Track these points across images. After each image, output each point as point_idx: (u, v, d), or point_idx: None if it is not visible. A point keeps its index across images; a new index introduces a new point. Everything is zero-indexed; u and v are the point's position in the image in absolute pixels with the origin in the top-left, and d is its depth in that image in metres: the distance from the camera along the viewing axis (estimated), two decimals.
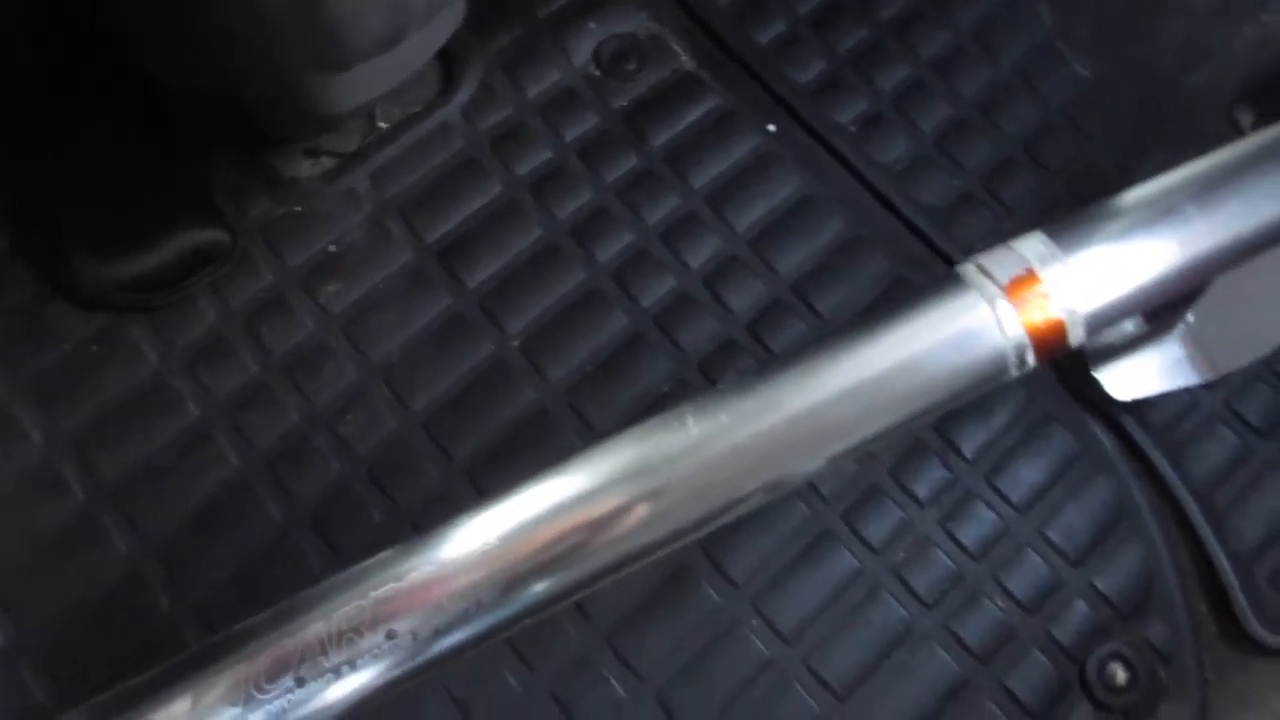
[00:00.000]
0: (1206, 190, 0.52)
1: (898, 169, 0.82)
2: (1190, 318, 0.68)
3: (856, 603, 0.68)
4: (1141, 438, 0.74)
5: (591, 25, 0.85)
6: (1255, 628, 0.68)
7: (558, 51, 0.84)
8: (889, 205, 0.81)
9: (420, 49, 0.62)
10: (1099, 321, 0.49)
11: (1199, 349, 0.69)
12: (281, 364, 0.72)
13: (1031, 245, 0.49)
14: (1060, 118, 0.85)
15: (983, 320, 0.47)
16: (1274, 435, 0.74)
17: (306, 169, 0.76)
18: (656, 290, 0.76)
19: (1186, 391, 0.73)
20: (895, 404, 0.48)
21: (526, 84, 0.83)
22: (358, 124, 0.77)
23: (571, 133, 0.81)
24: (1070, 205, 0.67)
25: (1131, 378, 0.71)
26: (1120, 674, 0.68)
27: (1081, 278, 0.48)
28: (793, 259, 0.78)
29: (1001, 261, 0.49)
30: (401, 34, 0.47)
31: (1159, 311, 0.69)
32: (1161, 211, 0.51)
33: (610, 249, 0.78)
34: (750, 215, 0.79)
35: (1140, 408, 0.73)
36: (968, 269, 0.49)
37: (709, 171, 0.81)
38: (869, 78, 0.86)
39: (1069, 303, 0.48)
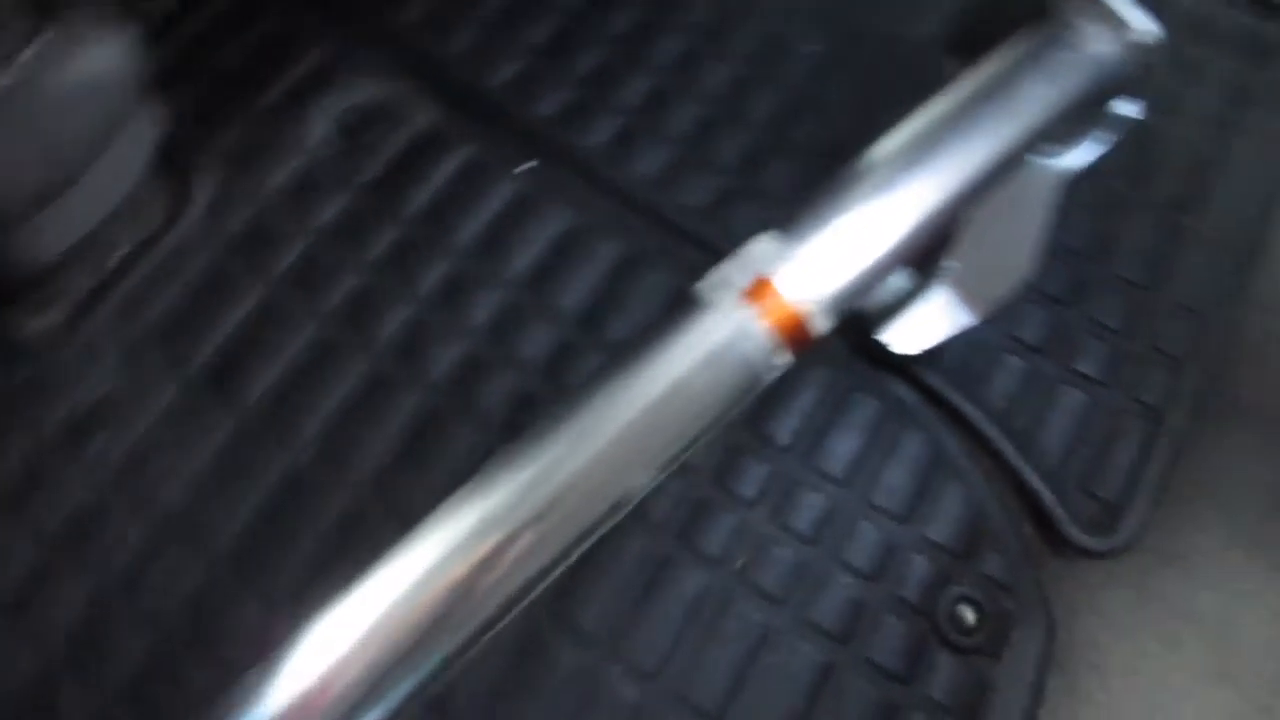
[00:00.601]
0: (919, 148, 0.55)
1: (658, 180, 0.83)
2: (952, 263, 0.71)
3: (711, 620, 0.68)
4: (938, 384, 0.77)
5: (325, 100, 0.82)
6: (1076, 534, 0.72)
7: (293, 134, 0.81)
8: (658, 218, 0.82)
9: (115, 177, 0.58)
10: (840, 302, 0.50)
11: (966, 290, 0.73)
12: (58, 538, 0.66)
13: (760, 248, 0.50)
14: (800, 98, 0.88)
15: (727, 334, 0.48)
16: (1052, 351, 0.78)
17: (36, 325, 0.70)
18: (444, 359, 0.74)
19: (969, 331, 0.77)
20: (673, 433, 0.48)
21: (266, 176, 0.79)
22: (84, 263, 0.72)
23: (323, 216, 0.78)
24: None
25: (913, 332, 0.74)
26: (969, 614, 0.70)
27: (809, 268, 0.49)
28: (575, 294, 0.77)
29: (736, 270, 0.49)
30: (59, 188, 0.44)
31: (921, 264, 0.72)
32: (880, 178, 0.53)
33: (388, 328, 0.75)
34: (523, 260, 0.78)
35: (931, 357, 0.76)
36: (705, 287, 0.49)
37: (472, 226, 0.79)
38: (612, 96, 0.86)
39: (804, 295, 0.49)
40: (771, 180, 0.84)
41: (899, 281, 0.74)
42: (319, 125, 0.81)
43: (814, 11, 0.92)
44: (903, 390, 0.77)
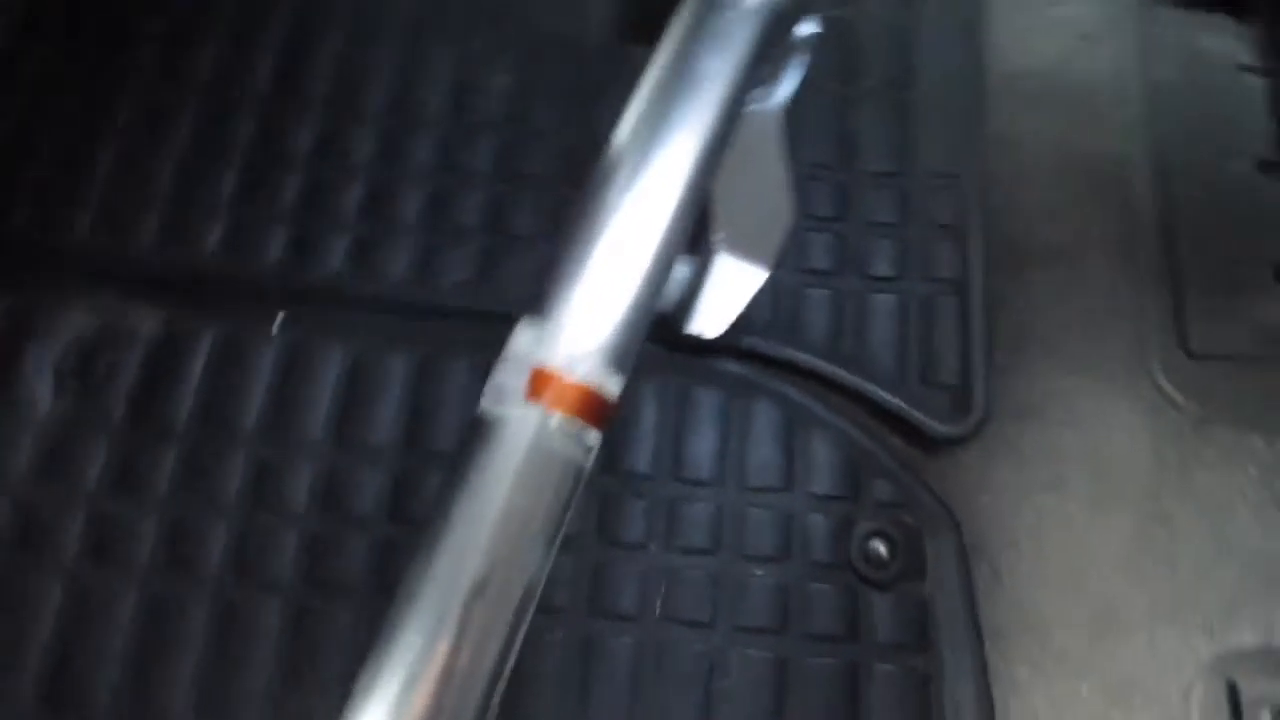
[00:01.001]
0: (635, 160, 0.53)
1: (413, 274, 0.78)
2: (718, 234, 0.70)
3: (655, 675, 0.66)
4: (760, 347, 0.76)
5: (33, 356, 0.73)
6: (938, 428, 0.73)
7: (19, 407, 0.72)
8: (430, 310, 0.78)
9: None
10: (619, 355, 0.48)
11: (744, 251, 0.72)
12: None
13: (522, 340, 0.47)
14: (511, 131, 0.85)
15: (526, 447, 0.45)
16: (845, 268, 0.79)
17: None
18: (284, 559, 0.68)
19: (765, 286, 0.77)
20: (520, 561, 0.45)
21: (8, 465, 0.71)
22: None
23: (90, 476, 0.69)
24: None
25: (715, 312, 0.73)
26: (881, 547, 0.71)
27: (575, 337, 0.47)
28: (385, 427, 0.72)
29: (508, 374, 0.47)
30: None
31: (692, 248, 0.72)
32: (608, 209, 0.51)
33: (214, 554, 0.69)
34: (316, 418, 0.73)
35: (742, 326, 0.76)
36: (487, 405, 0.46)
37: (251, 407, 0.73)
38: (328, 214, 0.80)
39: (582, 367, 0.46)
40: (522, 220, 0.81)
41: (681, 273, 0.73)
42: (39, 385, 0.72)
43: (486, 46, 0.88)
44: (732, 367, 0.77)
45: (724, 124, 0.57)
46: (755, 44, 0.58)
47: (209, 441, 0.70)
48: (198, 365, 0.72)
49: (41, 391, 0.70)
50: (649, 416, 0.74)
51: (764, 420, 0.74)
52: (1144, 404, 0.70)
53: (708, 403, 0.75)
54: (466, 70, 0.83)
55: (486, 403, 0.46)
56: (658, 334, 0.76)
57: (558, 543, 0.47)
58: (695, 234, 0.71)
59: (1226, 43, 0.81)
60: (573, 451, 0.46)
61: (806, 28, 0.69)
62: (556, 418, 0.46)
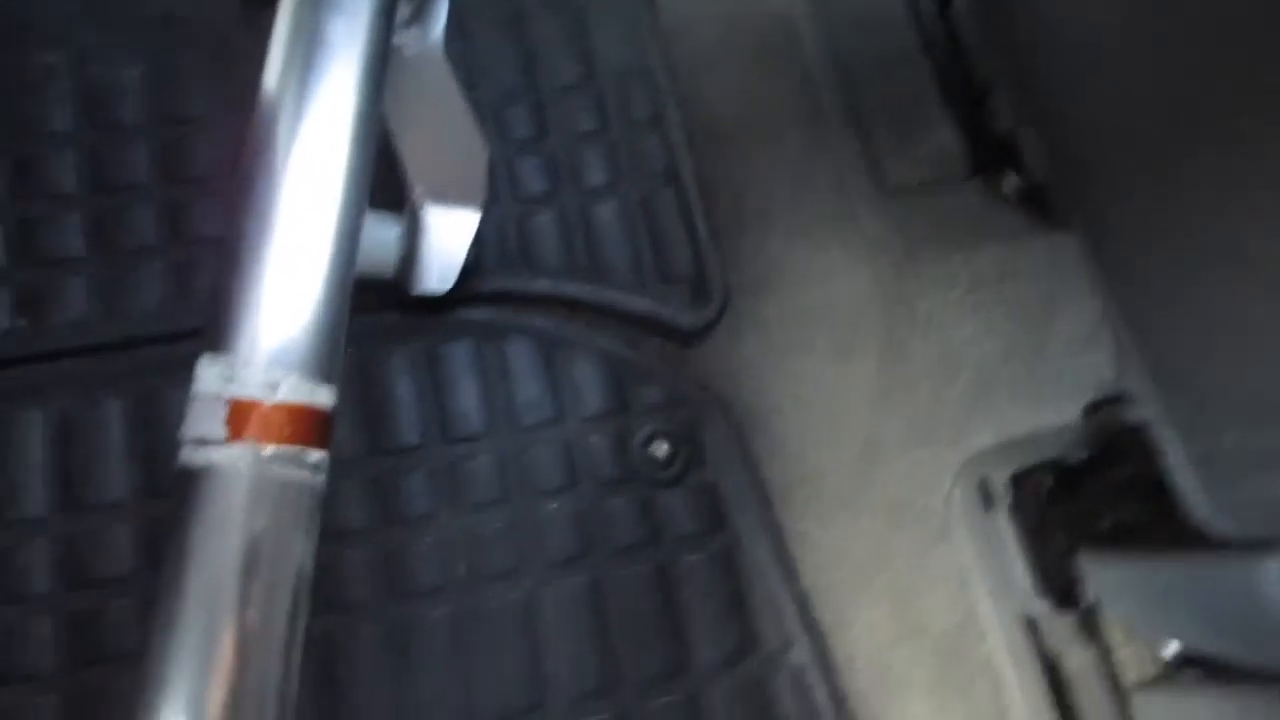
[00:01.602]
0: (280, 134, 0.48)
1: (86, 313, 0.70)
2: (417, 185, 0.67)
3: (477, 636, 0.66)
4: (497, 286, 0.75)
5: None
6: (685, 320, 0.75)
7: None
8: (123, 346, 0.70)
9: None
10: (320, 360, 0.45)
11: (448, 196, 0.69)
12: None
13: (206, 378, 0.43)
14: (163, 129, 0.76)
15: (245, 489, 0.42)
16: (560, 186, 0.77)
17: None
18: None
19: (484, 226, 0.75)
20: (279, 601, 0.43)
21: None
22: None
23: None
24: None
25: (439, 266, 0.70)
26: (663, 447, 0.72)
27: (263, 359, 0.44)
28: (112, 482, 0.66)
29: (201, 418, 0.43)
30: None
31: (396, 206, 0.68)
32: (266, 199, 0.47)
33: None
34: (35, 496, 0.66)
35: (473, 272, 0.74)
36: (187, 456, 0.43)
37: None
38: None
39: (281, 389, 0.43)
40: (209, 224, 0.73)
41: (387, 233, 0.69)
42: None
43: (107, 42, 0.77)
44: (476, 315, 0.75)
45: (372, 78, 0.53)
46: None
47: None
48: None
49: None
50: (405, 387, 0.72)
51: (520, 358, 0.74)
52: (857, 250, 0.74)
53: (460, 356, 0.73)
54: (91, 70, 0.74)
55: (188, 454, 0.43)
56: (391, 302, 0.73)
57: (310, 569, 0.45)
58: (397, 194, 0.67)
59: None
60: (300, 476, 0.43)
61: None
62: (270, 448, 0.43)
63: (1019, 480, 0.67)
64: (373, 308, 0.73)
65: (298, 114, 0.49)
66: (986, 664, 0.65)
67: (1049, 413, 0.70)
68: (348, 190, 0.49)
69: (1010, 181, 0.74)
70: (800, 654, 0.69)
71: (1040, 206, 0.75)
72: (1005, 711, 0.65)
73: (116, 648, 0.63)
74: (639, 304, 0.75)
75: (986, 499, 0.68)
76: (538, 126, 0.78)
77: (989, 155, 0.74)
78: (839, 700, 0.68)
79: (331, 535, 0.67)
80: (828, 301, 0.73)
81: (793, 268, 0.74)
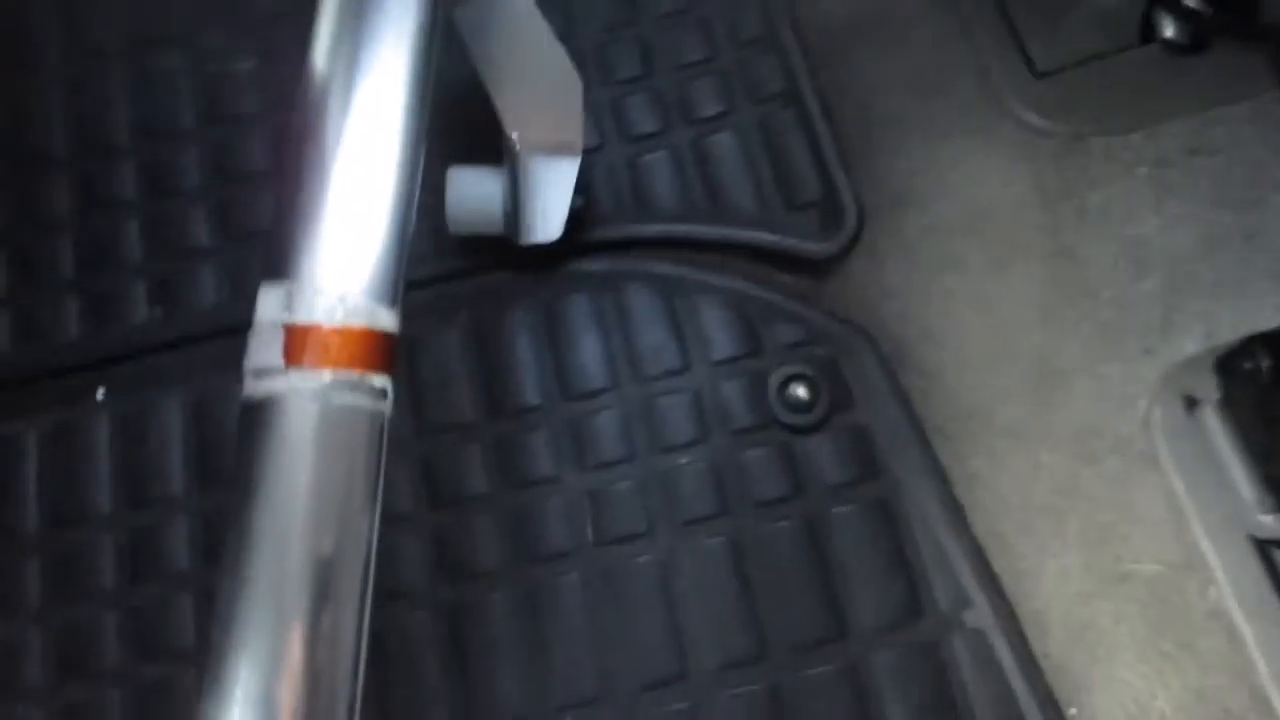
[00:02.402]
0: (326, 66, 0.46)
1: (216, 300, 0.71)
2: (511, 133, 0.64)
3: (608, 601, 0.61)
4: (611, 234, 0.70)
5: None
6: (817, 249, 0.67)
7: None
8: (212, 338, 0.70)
9: None
10: (381, 282, 0.42)
11: (547, 141, 0.65)
12: None
13: (266, 304, 0.41)
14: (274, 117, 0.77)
15: (309, 417, 0.39)
16: (672, 122, 0.72)
17: None
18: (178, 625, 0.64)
19: (590, 170, 0.71)
20: (347, 527, 0.40)
21: None
22: None
23: None
24: None
25: (546, 214, 0.66)
26: (801, 390, 0.65)
27: (321, 276, 0.41)
28: None
29: (261, 346, 0.41)
30: None
31: (494, 158, 0.65)
32: (330, 117, 0.45)
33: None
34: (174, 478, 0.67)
35: (584, 219, 0.70)
36: (249, 387, 0.40)
37: (97, 493, 0.67)
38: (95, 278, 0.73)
39: (341, 310, 0.40)
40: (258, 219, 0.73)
41: (492, 187, 0.66)
42: None
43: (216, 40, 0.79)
44: (591, 265, 0.71)
45: (427, 13, 0.50)
46: None
47: (69, 538, 0.65)
48: (29, 469, 0.66)
49: None
50: (522, 345, 0.68)
51: (641, 306, 0.69)
52: (1011, 143, 0.64)
53: (577, 309, 0.69)
54: (208, 69, 0.76)
55: (250, 385, 0.41)
56: (502, 259, 0.71)
57: (379, 502, 0.41)
58: (494, 144, 0.65)
59: None
60: (362, 403, 0.40)
61: None
62: (329, 374, 0.40)
63: (1227, 366, 0.54)
64: (485, 268, 0.71)
65: (355, 45, 0.47)
66: (1214, 611, 0.53)
67: (1268, 309, 0.57)
68: (407, 116, 0.46)
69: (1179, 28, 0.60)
70: (979, 615, 0.59)
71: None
72: (1246, 670, 0.53)
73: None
74: (765, 237, 0.69)
75: (1191, 410, 0.56)
76: (642, 62, 0.73)
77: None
78: (1030, 667, 0.57)
79: (455, 501, 0.66)
80: (979, 208, 0.64)
81: (934, 176, 0.65)
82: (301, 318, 0.40)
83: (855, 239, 0.67)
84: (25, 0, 0.80)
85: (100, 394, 0.67)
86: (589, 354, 0.68)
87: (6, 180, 0.73)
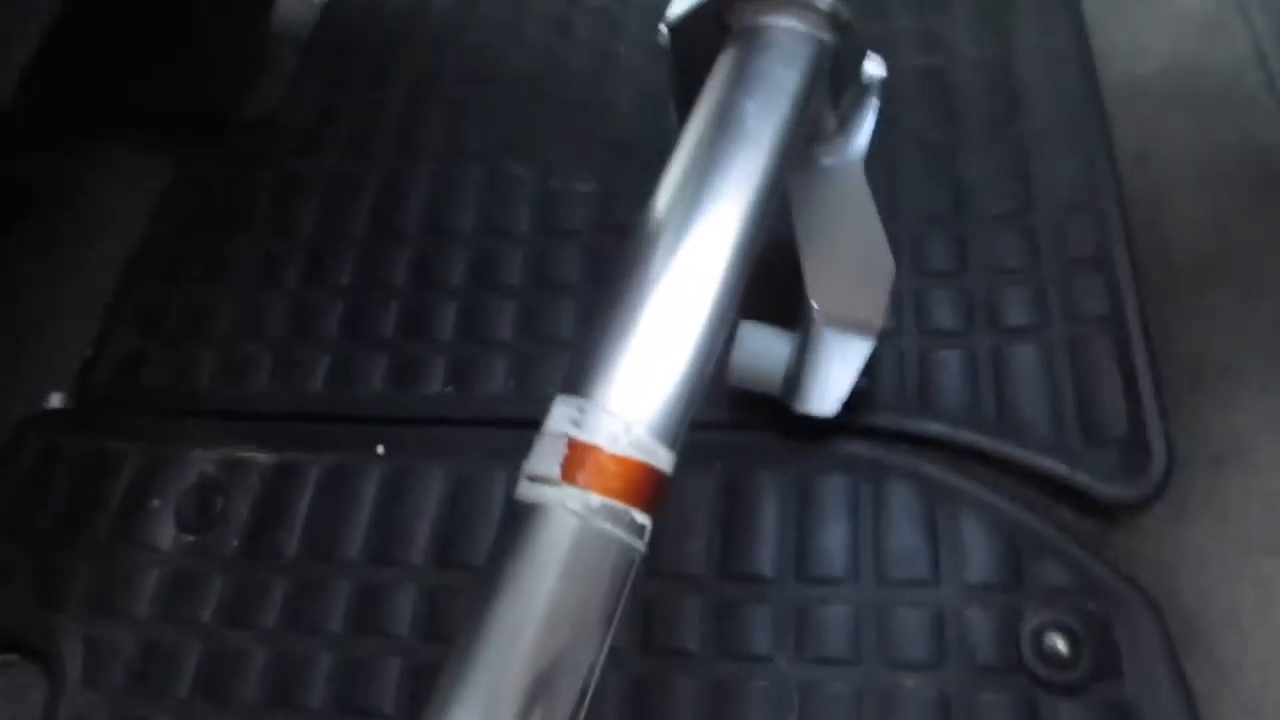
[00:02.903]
0: (676, 209, 0.49)
1: (504, 390, 0.76)
2: (816, 302, 0.64)
3: None
4: (888, 422, 0.68)
5: (155, 502, 0.73)
6: (1113, 492, 0.61)
7: (140, 553, 0.71)
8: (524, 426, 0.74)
9: None
10: (666, 424, 0.42)
11: (846, 316, 0.65)
12: None
13: (556, 416, 0.43)
14: (596, 236, 0.83)
15: (568, 534, 0.40)
16: (975, 323, 0.70)
17: None
18: (388, 679, 0.65)
19: (881, 353, 0.69)
20: (572, 660, 0.40)
21: (131, 611, 0.71)
22: None
23: (205, 609, 0.69)
24: None
25: (827, 387, 0.66)
26: (1060, 643, 0.58)
27: (616, 407, 0.42)
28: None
29: (543, 455, 0.42)
30: None
31: (790, 320, 0.66)
32: (656, 258, 0.47)
33: (318, 689, 0.66)
34: (422, 537, 0.71)
35: (862, 401, 0.68)
36: (524, 490, 0.42)
37: (354, 534, 0.72)
38: (407, 343, 0.80)
39: (625, 441, 0.41)
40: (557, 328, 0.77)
41: (780, 348, 0.66)
42: (161, 527, 0.74)
43: (566, 157, 0.87)
44: (859, 449, 0.68)
45: (771, 175, 0.52)
46: (803, 81, 0.53)
47: (315, 571, 0.69)
48: (305, 499, 0.72)
49: (164, 532, 0.72)
50: (768, 512, 0.67)
51: (900, 503, 0.65)
52: None
53: (833, 490, 0.67)
54: (551, 183, 0.83)
55: (523, 488, 0.42)
56: (770, 420, 0.70)
57: (610, 636, 0.41)
58: (793, 307, 0.65)
59: None
60: (620, 535, 0.40)
61: (871, 67, 0.64)
62: (598, 499, 0.40)
63: None
64: (752, 425, 0.70)
65: (699, 190, 0.49)
66: None
67: None
68: (726, 271, 0.47)
69: None
70: None
71: None
72: None
73: None
74: (1053, 465, 0.64)
75: None
76: (957, 258, 0.72)
77: None
78: None
79: (665, 651, 0.64)
80: None
81: (1269, 440, 0.57)
82: (586, 436, 0.41)
83: (1160, 490, 0.60)
84: (419, 98, 0.92)
85: (380, 450, 0.73)
86: (834, 539, 0.65)
87: (364, 243, 0.84)
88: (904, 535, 0.64)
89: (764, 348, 0.68)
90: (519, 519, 0.41)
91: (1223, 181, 0.66)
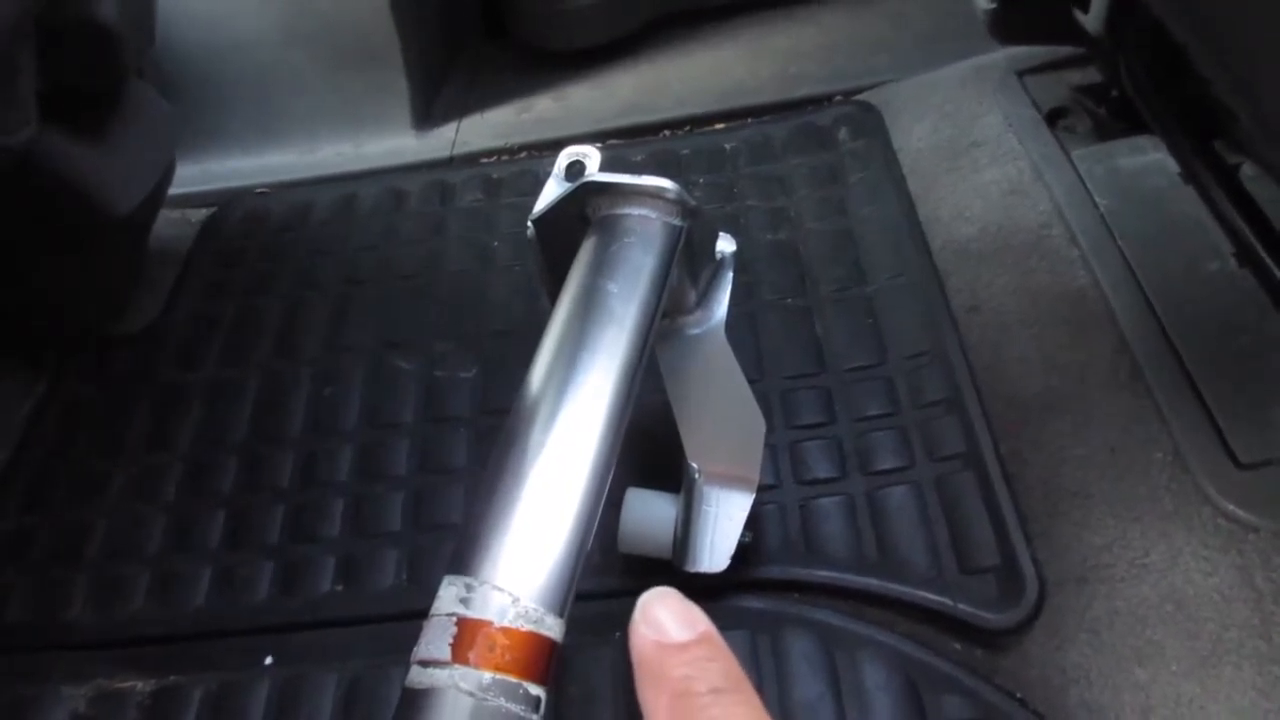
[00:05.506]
0: (552, 389, 0.51)
1: (394, 584, 0.75)
2: (695, 464, 0.67)
3: None
4: (777, 573, 0.70)
5: None
6: (995, 620, 0.64)
7: None
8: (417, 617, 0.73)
9: None
10: (552, 592, 0.43)
11: (725, 475, 0.67)
12: None
13: (444, 597, 0.43)
14: (481, 420, 0.85)
15: (462, 708, 0.39)
16: (847, 471, 0.74)
17: None
18: None
19: (761, 506, 0.72)
20: None
21: None
22: None
23: None
24: None
25: (714, 544, 0.67)
26: None
27: (502, 580, 0.43)
28: None
29: (431, 638, 0.42)
30: None
31: (669, 484, 0.68)
32: (535, 430, 0.49)
33: None
34: None
35: (753, 553, 0.70)
36: (414, 675, 0.41)
37: None
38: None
39: (510, 611, 0.42)
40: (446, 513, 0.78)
41: (665, 512, 0.68)
42: None
43: (448, 350, 0.90)
44: (752, 603, 0.70)
45: (636, 350, 0.55)
46: (656, 269, 0.58)
47: None
48: None
49: None
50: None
51: (799, 653, 0.66)
52: (1212, 532, 0.60)
53: (733, 645, 0.62)
54: (436, 374, 0.86)
55: (414, 674, 0.41)
56: (664, 584, 0.71)
57: None
58: (678, 471, 0.68)
59: (1159, 159, 0.80)
60: (515, 710, 0.40)
61: (724, 244, 0.70)
62: (489, 675, 0.40)
63: None
64: (645, 590, 0.71)
65: (569, 369, 0.52)
66: None
67: None
68: (602, 442, 0.50)
69: None
70: None
71: None
72: None
73: None
74: (936, 599, 0.66)
75: None
76: (825, 410, 0.77)
77: None
78: None
79: None
80: (1178, 597, 0.59)
81: (1125, 556, 0.61)
82: (475, 612, 0.42)
83: (1036, 613, 0.63)
84: (300, 301, 0.95)
85: (269, 660, 0.70)
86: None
87: (246, 448, 0.83)
88: (807, 684, 0.64)
89: (651, 512, 0.70)
90: (411, 707, 0.41)
91: (1046, 323, 0.74)
